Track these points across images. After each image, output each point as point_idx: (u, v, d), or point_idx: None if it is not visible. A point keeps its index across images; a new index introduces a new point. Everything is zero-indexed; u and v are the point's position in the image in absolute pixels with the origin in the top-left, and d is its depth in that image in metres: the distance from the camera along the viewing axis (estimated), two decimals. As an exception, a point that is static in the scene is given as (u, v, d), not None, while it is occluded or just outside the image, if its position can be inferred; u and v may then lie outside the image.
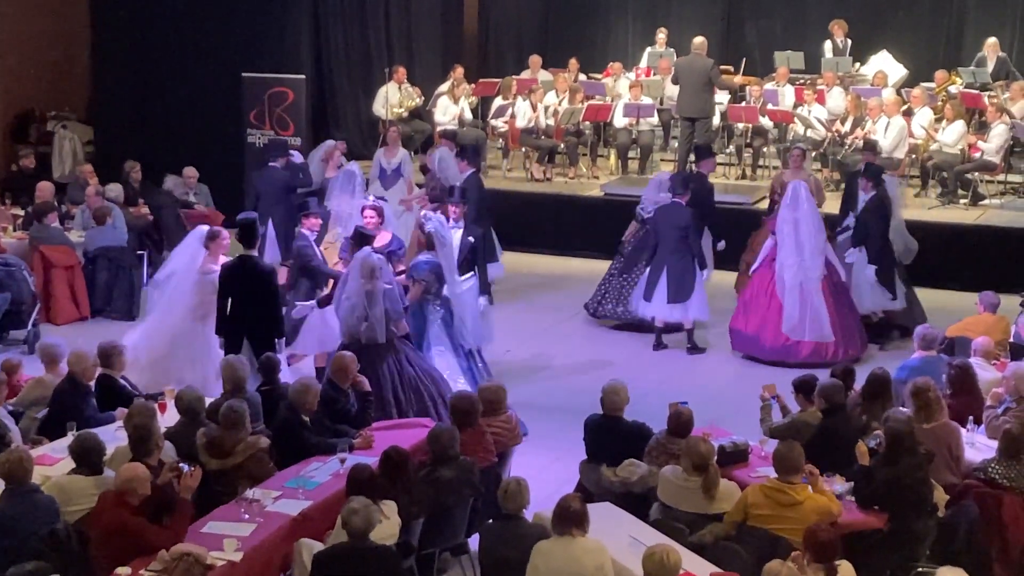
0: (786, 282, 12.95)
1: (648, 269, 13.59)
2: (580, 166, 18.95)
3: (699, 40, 17.78)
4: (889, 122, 16.93)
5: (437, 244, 11.31)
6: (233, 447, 8.46)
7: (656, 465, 8.67)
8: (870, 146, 15.24)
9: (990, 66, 18.85)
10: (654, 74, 19.93)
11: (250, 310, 10.93)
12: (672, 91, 19.55)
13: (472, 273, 12.10)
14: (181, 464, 7.89)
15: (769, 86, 18.85)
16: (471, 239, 12.13)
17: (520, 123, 18.65)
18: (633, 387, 9.60)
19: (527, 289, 15.74)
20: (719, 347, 13.69)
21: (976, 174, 17.12)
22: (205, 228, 11.84)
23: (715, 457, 8.34)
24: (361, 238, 11.27)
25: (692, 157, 15.92)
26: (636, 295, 13.82)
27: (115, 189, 15.85)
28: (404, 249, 12.39)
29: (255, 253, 11.19)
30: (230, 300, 11.06)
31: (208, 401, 9.22)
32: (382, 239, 12.14)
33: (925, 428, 8.80)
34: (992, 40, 19.01)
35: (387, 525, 7.51)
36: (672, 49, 20.49)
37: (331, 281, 11.65)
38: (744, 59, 20.09)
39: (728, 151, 19.09)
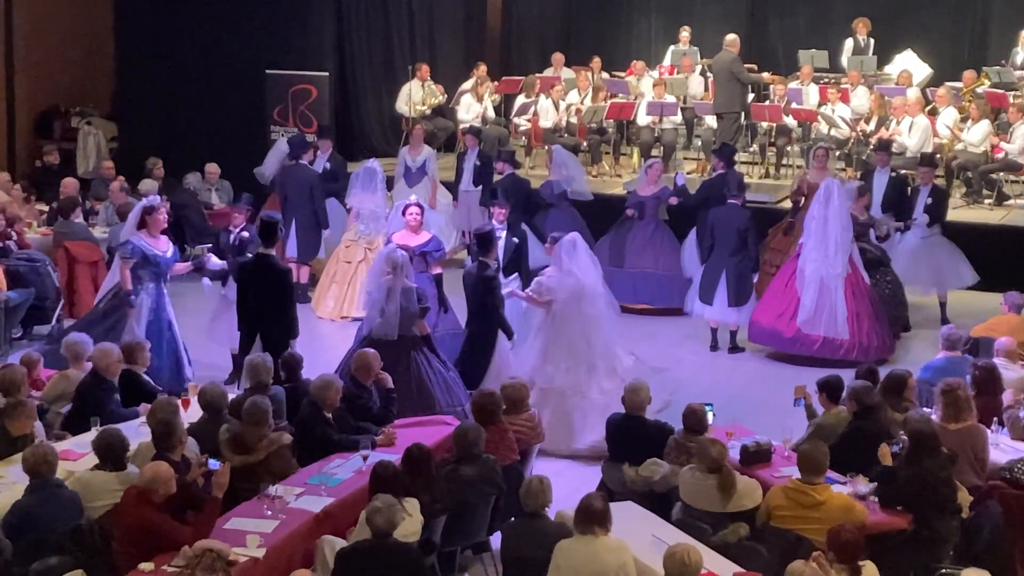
0: (806, 275, 12.95)
1: (703, 270, 13.59)
2: (603, 164, 18.93)
3: (730, 37, 17.76)
4: (913, 121, 16.88)
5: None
6: (256, 443, 8.47)
7: (676, 464, 8.66)
8: (884, 146, 15.21)
9: (1020, 58, 18.75)
10: (677, 72, 19.90)
11: (265, 309, 10.94)
12: (695, 89, 19.56)
13: (516, 274, 12.10)
14: (209, 460, 7.91)
15: (793, 85, 18.78)
16: (515, 240, 12.12)
17: (543, 121, 18.65)
18: (656, 386, 9.57)
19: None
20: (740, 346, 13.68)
21: (1001, 174, 17.04)
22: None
23: (727, 457, 8.29)
24: (483, 238, 11.15)
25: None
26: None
27: (148, 184, 15.87)
28: (443, 251, 12.39)
29: (273, 252, 11.22)
30: (246, 298, 11.11)
31: (231, 397, 9.25)
32: (420, 238, 12.16)
33: (952, 429, 8.76)
34: None
35: (409, 523, 7.51)
36: (696, 47, 20.46)
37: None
38: (768, 53, 20.05)
39: (751, 150, 19.04)
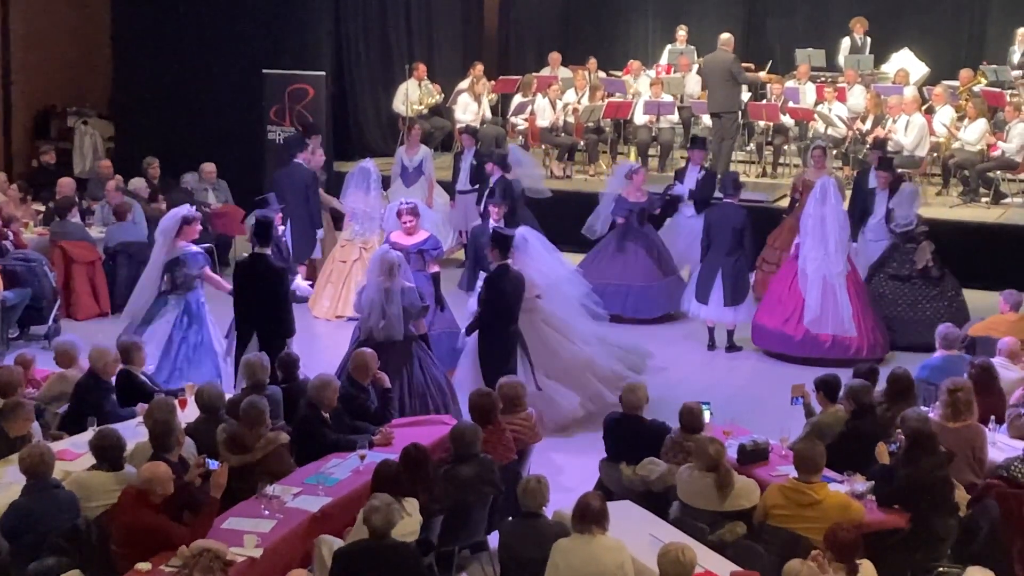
0: (808, 275, 12.93)
1: (699, 269, 13.57)
2: (600, 163, 18.93)
3: (725, 36, 17.76)
4: (909, 120, 16.88)
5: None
6: (253, 443, 8.46)
7: (674, 463, 8.65)
8: (880, 145, 15.19)
9: (1017, 57, 18.76)
10: (674, 71, 19.89)
11: (260, 308, 10.94)
12: (692, 89, 19.57)
13: None
14: (207, 460, 7.91)
15: (790, 84, 18.79)
16: None
17: (540, 121, 18.65)
18: (653, 385, 9.56)
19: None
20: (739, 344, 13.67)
21: (998, 172, 17.05)
22: None
23: (725, 456, 8.29)
24: (500, 239, 11.00)
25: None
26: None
27: (137, 183, 15.90)
28: (440, 250, 12.37)
29: (269, 252, 11.22)
30: (242, 298, 11.12)
31: (228, 397, 9.24)
32: (417, 237, 12.15)
33: (951, 427, 8.77)
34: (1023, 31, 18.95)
35: (407, 522, 7.50)
36: (693, 47, 20.44)
37: None
38: (770, 61, 20.08)
39: (748, 148, 19.04)
